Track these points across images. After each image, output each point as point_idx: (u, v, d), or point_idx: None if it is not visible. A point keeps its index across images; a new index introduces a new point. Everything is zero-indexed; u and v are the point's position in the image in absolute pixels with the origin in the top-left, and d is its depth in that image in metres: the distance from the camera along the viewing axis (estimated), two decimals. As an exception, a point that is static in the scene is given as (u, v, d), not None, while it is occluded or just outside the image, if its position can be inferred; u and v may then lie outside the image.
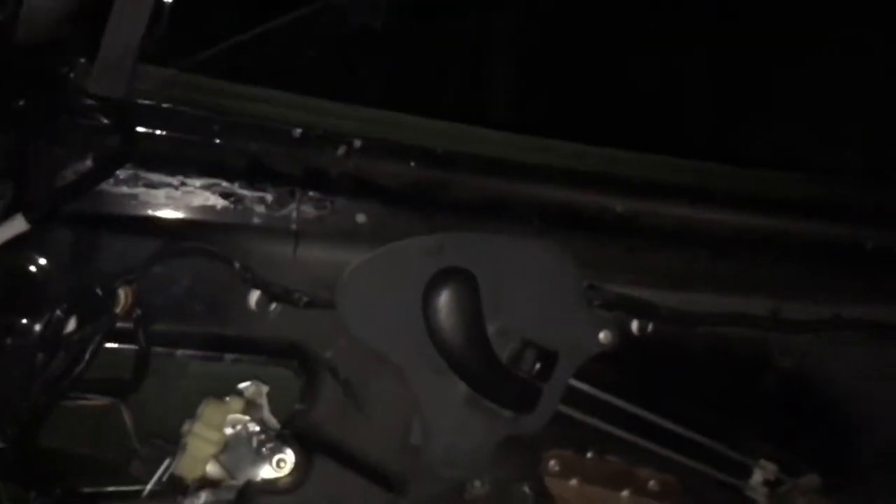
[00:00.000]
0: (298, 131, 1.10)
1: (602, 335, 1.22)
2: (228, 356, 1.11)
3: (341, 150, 1.12)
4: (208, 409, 1.12)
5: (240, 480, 1.11)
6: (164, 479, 1.08)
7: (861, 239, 1.37)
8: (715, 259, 1.31)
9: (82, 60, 1.00)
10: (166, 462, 1.09)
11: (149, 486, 1.07)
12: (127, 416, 1.09)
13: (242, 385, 1.16)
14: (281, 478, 1.13)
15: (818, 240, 1.35)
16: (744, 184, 1.35)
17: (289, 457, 1.11)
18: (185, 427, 1.12)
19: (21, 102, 0.99)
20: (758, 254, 1.33)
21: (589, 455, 1.31)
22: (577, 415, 1.26)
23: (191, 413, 1.13)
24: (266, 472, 1.12)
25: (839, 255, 1.36)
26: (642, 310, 1.25)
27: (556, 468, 1.29)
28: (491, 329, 1.14)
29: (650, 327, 1.27)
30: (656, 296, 1.26)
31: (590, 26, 1.83)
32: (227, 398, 1.14)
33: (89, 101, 0.99)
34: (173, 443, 1.11)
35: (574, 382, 1.23)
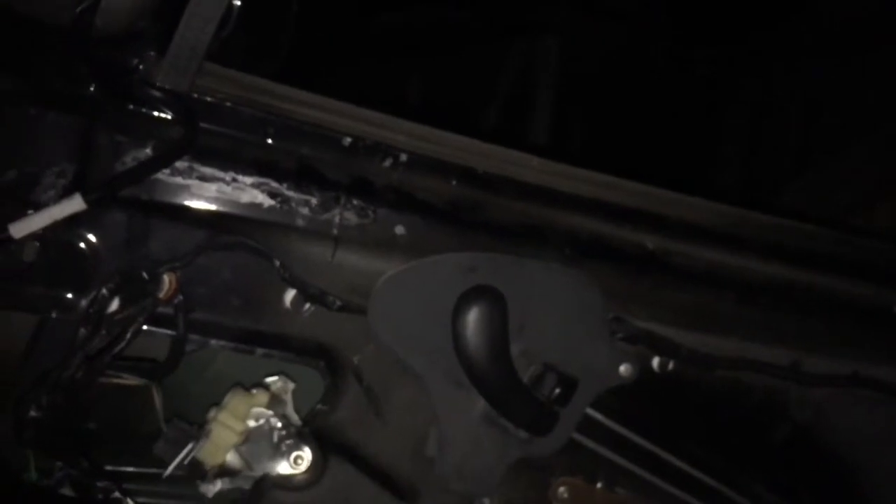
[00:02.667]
0: (348, 140, 1.13)
1: (623, 368, 1.24)
2: (259, 350, 1.14)
3: (387, 162, 1.15)
4: (234, 400, 1.15)
5: (257, 473, 1.14)
6: (186, 462, 1.11)
7: (886, 301, 1.38)
8: (740, 305, 1.32)
9: (152, 54, 1.05)
10: (189, 446, 1.12)
11: (170, 468, 1.10)
12: (157, 398, 1.12)
13: (270, 379, 1.19)
14: (296, 475, 1.15)
15: (844, 297, 1.36)
16: (776, 234, 1.37)
17: (306, 455, 1.14)
18: (211, 414, 1.15)
19: (91, 89, 1.03)
20: (783, 304, 1.34)
21: (598, 485, 1.33)
22: (591, 444, 1.28)
23: (218, 400, 1.16)
24: (283, 467, 1.14)
25: (863, 314, 1.37)
26: (664, 347, 1.27)
27: (565, 495, 1.31)
28: (515, 350, 1.16)
29: (671, 365, 1.28)
30: (679, 335, 1.28)
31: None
32: (254, 390, 1.17)
33: (155, 93, 1.03)
34: (198, 428, 1.14)
35: (590, 412, 1.26)
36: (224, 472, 1.14)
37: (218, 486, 1.12)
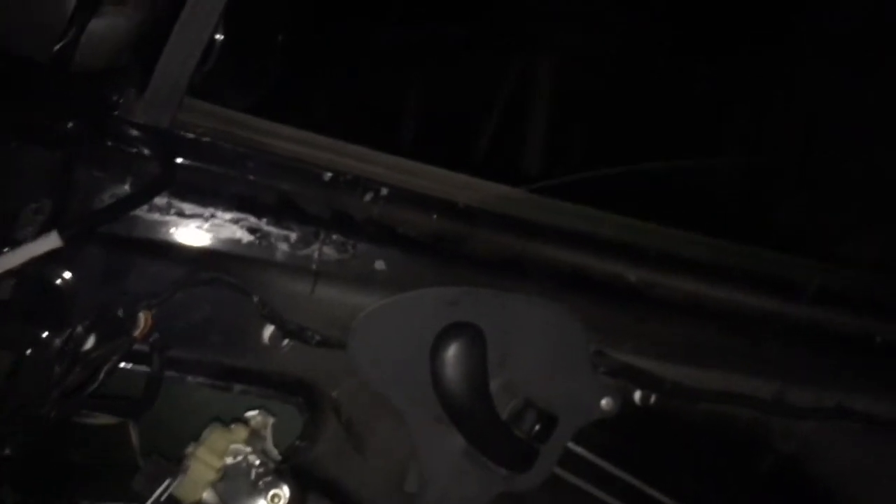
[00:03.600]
0: (329, 174, 1.13)
1: (604, 402, 1.24)
2: (237, 386, 1.14)
3: (368, 196, 1.15)
4: (213, 436, 1.14)
5: (233, 511, 1.13)
6: (163, 498, 1.10)
7: (870, 332, 1.38)
8: (723, 336, 1.32)
9: (132, 90, 1.05)
10: (167, 482, 1.11)
11: (148, 504, 1.09)
12: (134, 435, 1.11)
13: (249, 413, 1.18)
14: (274, 512, 1.15)
15: (827, 328, 1.36)
16: (758, 265, 1.37)
17: (284, 492, 1.13)
18: (189, 449, 1.14)
19: (70, 125, 1.03)
20: (766, 335, 1.34)
21: (580, 519, 1.32)
22: (573, 479, 1.27)
23: (196, 435, 1.15)
24: (260, 505, 1.14)
25: (847, 345, 1.37)
26: (646, 380, 1.27)
27: (547, 529, 1.30)
28: (495, 384, 1.15)
29: (653, 398, 1.28)
30: (661, 368, 1.27)
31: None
32: (233, 425, 1.16)
33: (133, 131, 1.03)
34: (176, 463, 1.13)
35: (572, 446, 1.25)
36: (200, 509, 1.13)
37: (194, 524, 1.12)
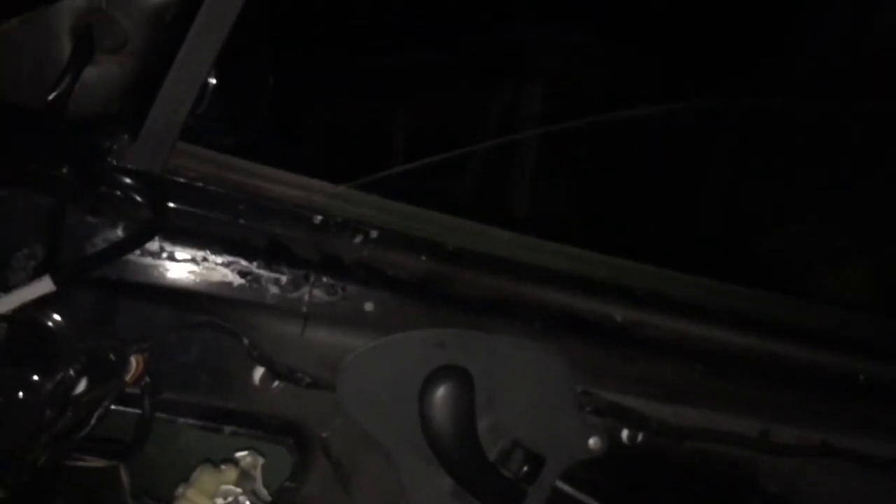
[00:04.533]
0: (319, 218, 1.15)
1: (592, 441, 1.25)
2: (227, 428, 1.14)
3: (358, 239, 1.16)
4: (203, 476, 1.15)
5: (223, 552, 1.14)
6: (153, 541, 1.11)
7: (854, 370, 1.40)
8: (709, 376, 1.33)
9: (125, 136, 1.06)
10: None
11: (137, 548, 1.10)
12: (125, 477, 1.12)
13: (239, 454, 1.19)
14: (263, 554, 1.15)
15: (812, 367, 1.38)
16: (744, 304, 1.39)
17: (274, 533, 1.14)
18: (179, 490, 1.15)
19: (63, 171, 1.04)
20: (752, 374, 1.35)
21: (569, 557, 1.33)
22: (561, 517, 1.28)
23: (185, 476, 1.16)
24: (250, 545, 1.14)
25: (832, 383, 1.39)
26: (633, 420, 1.28)
27: (536, 568, 1.31)
28: (483, 425, 1.17)
29: (640, 437, 1.29)
30: (648, 406, 1.29)
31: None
32: (223, 466, 1.17)
33: (126, 176, 1.05)
34: (166, 504, 1.14)
35: (560, 484, 1.26)
36: (190, 550, 1.14)
37: (184, 565, 1.12)
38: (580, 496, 1.28)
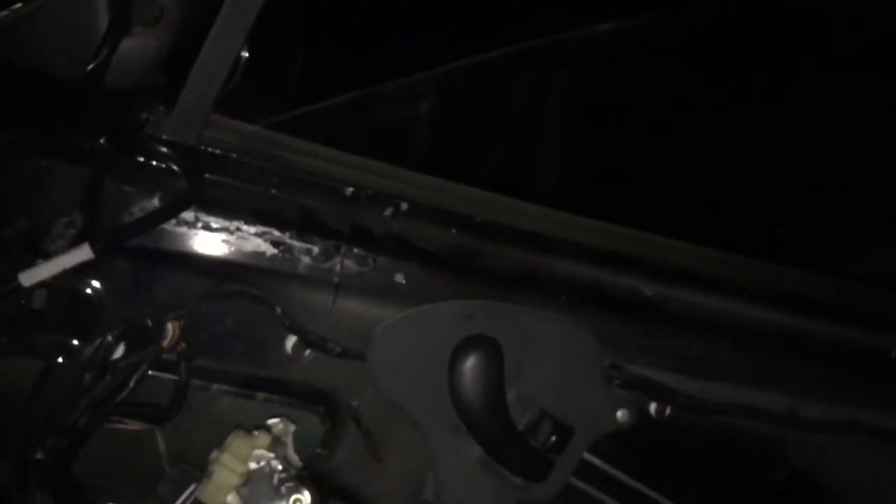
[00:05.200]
0: (350, 190, 1.16)
1: (619, 414, 1.26)
2: (260, 395, 1.17)
3: (388, 211, 1.18)
4: (236, 441, 1.17)
5: (256, 515, 1.16)
6: (189, 502, 1.13)
7: (884, 347, 1.39)
8: (738, 351, 1.33)
9: (161, 108, 1.08)
10: (192, 487, 1.14)
11: (173, 509, 1.12)
12: (161, 440, 1.15)
13: (271, 421, 1.21)
14: (295, 517, 1.17)
15: (842, 344, 1.38)
16: (773, 280, 1.39)
17: (305, 498, 1.16)
18: (213, 455, 1.17)
19: (101, 141, 1.06)
20: (781, 350, 1.35)
21: (595, 529, 1.34)
22: (589, 489, 1.29)
23: (219, 442, 1.18)
24: (282, 509, 1.17)
25: (861, 360, 1.39)
26: (661, 393, 1.28)
27: (562, 539, 1.32)
28: (511, 396, 1.18)
29: (668, 411, 1.30)
30: (676, 381, 1.29)
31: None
32: (255, 432, 1.19)
33: (162, 148, 1.07)
34: (200, 469, 1.16)
35: (588, 457, 1.27)
36: (224, 513, 1.16)
37: (218, 527, 1.14)
38: (607, 468, 1.29)
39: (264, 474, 1.17)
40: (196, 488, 1.14)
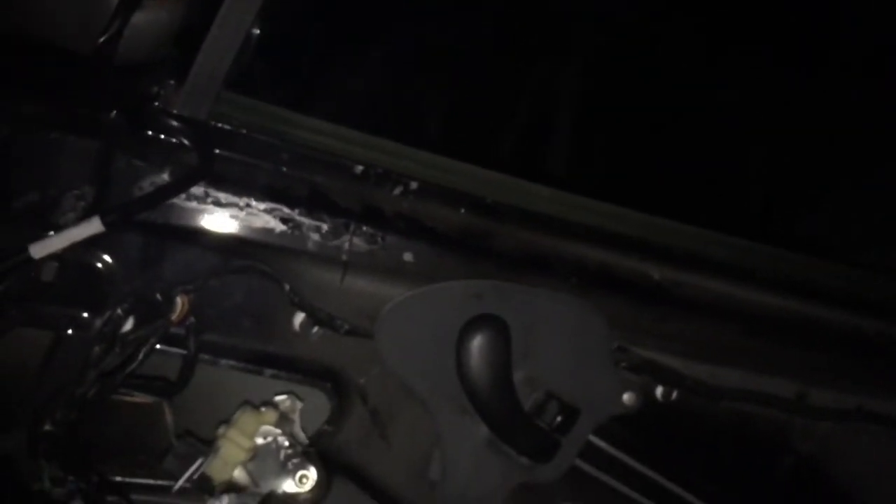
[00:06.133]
0: (360, 168, 1.16)
1: (626, 397, 1.26)
2: (268, 371, 1.17)
3: (398, 190, 1.17)
4: (244, 417, 1.17)
5: (263, 490, 1.17)
6: (195, 476, 1.14)
7: (894, 336, 1.38)
8: (746, 336, 1.33)
9: (172, 82, 1.08)
10: (199, 461, 1.15)
11: (180, 482, 1.13)
12: (168, 414, 1.15)
13: (279, 397, 1.21)
14: (301, 493, 1.18)
15: (850, 331, 1.37)
16: (784, 267, 1.38)
17: (311, 474, 1.16)
18: (220, 430, 1.18)
19: (111, 115, 1.07)
20: (789, 336, 1.35)
21: (600, 512, 1.34)
22: (594, 472, 1.29)
23: (227, 416, 1.19)
24: (288, 485, 1.17)
25: (870, 348, 1.38)
26: (668, 377, 1.28)
27: (567, 521, 1.33)
28: (518, 376, 1.18)
29: (674, 395, 1.30)
30: (683, 365, 1.29)
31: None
32: (263, 408, 1.20)
33: (172, 122, 1.07)
34: (207, 443, 1.17)
35: (594, 439, 1.27)
36: (231, 487, 1.16)
37: (225, 501, 1.15)
38: (614, 451, 1.29)
39: (271, 450, 1.17)
40: (203, 462, 1.15)
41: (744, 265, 1.35)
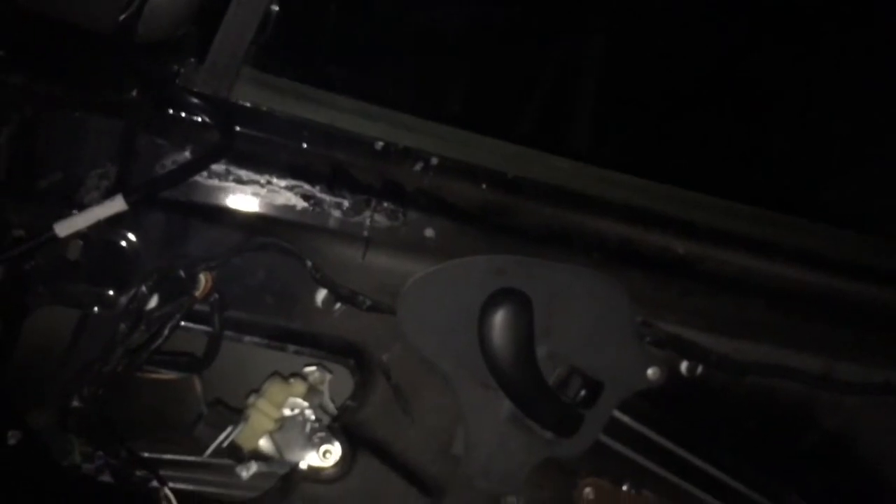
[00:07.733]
0: (381, 144, 1.15)
1: (650, 372, 1.25)
2: (291, 347, 1.17)
3: (418, 166, 1.17)
4: (272, 388, 1.19)
5: (288, 460, 1.18)
6: (225, 444, 1.15)
7: (922, 310, 1.36)
8: (771, 311, 1.31)
9: (192, 60, 1.08)
10: (228, 429, 1.16)
11: (211, 448, 1.15)
12: (198, 385, 1.17)
13: (308, 369, 1.22)
14: (325, 467, 1.19)
15: (876, 305, 1.35)
16: (809, 240, 1.36)
17: (335, 449, 1.17)
18: (250, 400, 1.19)
19: (133, 94, 1.07)
20: (815, 311, 1.33)
21: (624, 487, 1.34)
22: (618, 446, 1.29)
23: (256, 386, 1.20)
24: (312, 458, 1.18)
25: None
26: (693, 352, 1.27)
27: (591, 496, 1.32)
28: (541, 352, 1.17)
29: (699, 370, 1.29)
30: (708, 340, 1.28)
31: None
32: (292, 379, 1.21)
33: (193, 100, 1.07)
34: (237, 412, 1.18)
35: (618, 414, 1.27)
36: (258, 456, 1.18)
37: (253, 468, 1.16)
38: (638, 426, 1.29)
39: (297, 423, 1.19)
40: (233, 430, 1.17)
41: (768, 238, 1.33)
